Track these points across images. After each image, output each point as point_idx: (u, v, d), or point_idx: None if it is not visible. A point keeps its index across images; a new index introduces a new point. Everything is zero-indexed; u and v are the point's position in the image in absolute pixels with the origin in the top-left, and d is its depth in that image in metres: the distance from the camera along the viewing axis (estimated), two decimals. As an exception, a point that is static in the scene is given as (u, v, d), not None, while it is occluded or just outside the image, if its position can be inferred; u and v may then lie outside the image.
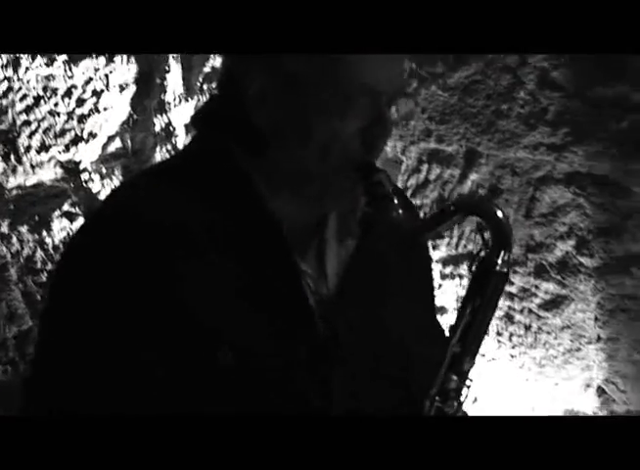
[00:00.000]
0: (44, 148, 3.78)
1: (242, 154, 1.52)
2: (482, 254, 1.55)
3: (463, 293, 3.27)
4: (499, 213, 1.52)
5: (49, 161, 3.81)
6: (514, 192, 3.20)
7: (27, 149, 3.71)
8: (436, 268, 3.37)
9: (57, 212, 3.88)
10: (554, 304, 3.31)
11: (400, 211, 1.50)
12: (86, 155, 3.99)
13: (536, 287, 3.31)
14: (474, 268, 1.56)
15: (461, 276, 3.34)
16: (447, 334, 1.59)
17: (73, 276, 1.50)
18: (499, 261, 1.53)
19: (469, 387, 1.58)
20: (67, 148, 3.85)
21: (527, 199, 3.18)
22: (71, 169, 3.89)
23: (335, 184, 1.51)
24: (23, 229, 3.63)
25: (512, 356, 3.30)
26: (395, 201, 1.50)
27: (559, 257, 3.26)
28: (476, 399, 3.24)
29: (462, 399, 1.58)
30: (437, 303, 3.32)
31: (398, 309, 1.66)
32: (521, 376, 3.25)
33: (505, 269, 1.54)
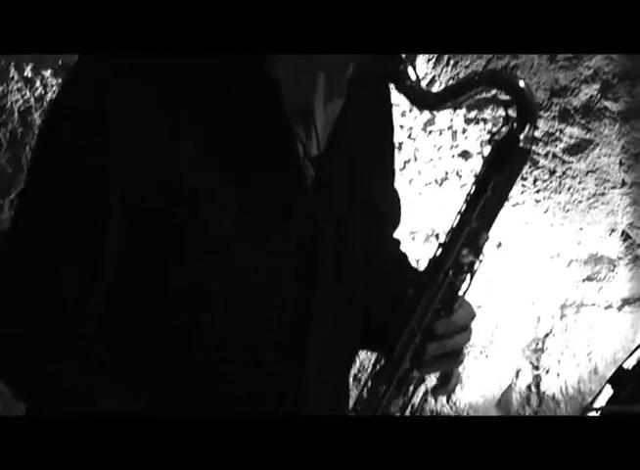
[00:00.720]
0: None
1: None
2: (505, 129, 1.52)
3: (486, 137, 3.26)
4: (524, 87, 1.49)
5: None
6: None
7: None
8: (460, 113, 3.33)
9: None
10: (578, 148, 3.29)
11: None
12: None
13: (561, 131, 3.28)
14: (494, 143, 1.54)
15: (485, 121, 3.31)
16: (464, 207, 1.57)
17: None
18: (522, 137, 1.50)
19: (481, 261, 1.58)
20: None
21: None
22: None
23: None
24: (47, 73, 3.61)
25: (536, 201, 3.29)
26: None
27: (583, 101, 3.23)
28: (500, 245, 3.26)
29: (474, 272, 1.58)
30: (461, 147, 3.32)
31: (372, 166, 1.66)
32: (545, 221, 3.26)
33: (528, 146, 1.51)
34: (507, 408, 3.28)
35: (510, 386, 3.27)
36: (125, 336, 1.51)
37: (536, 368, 3.28)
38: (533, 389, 3.29)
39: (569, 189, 3.27)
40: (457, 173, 3.28)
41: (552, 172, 3.29)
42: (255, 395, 1.53)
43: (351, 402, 1.60)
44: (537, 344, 3.27)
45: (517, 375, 3.27)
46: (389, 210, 1.72)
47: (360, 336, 1.68)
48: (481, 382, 3.19)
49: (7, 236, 1.49)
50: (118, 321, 1.50)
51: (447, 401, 3.22)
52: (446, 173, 3.28)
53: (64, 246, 1.44)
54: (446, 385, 1.63)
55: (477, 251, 1.56)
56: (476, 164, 3.28)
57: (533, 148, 3.20)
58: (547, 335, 3.27)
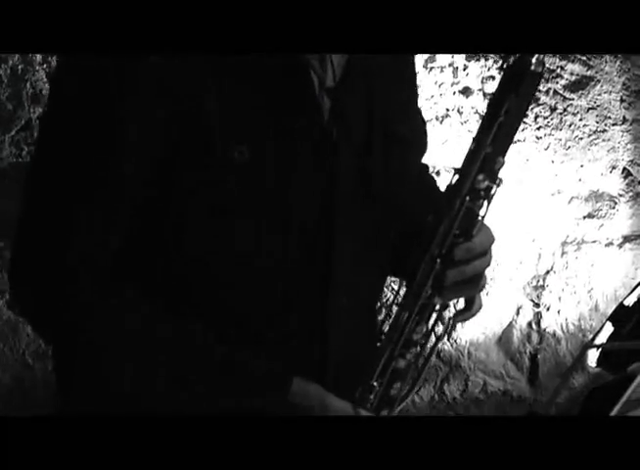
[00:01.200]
0: None
1: None
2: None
3: (487, 74, 3.24)
4: None
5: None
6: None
7: None
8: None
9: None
10: (579, 85, 3.27)
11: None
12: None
13: (562, 68, 3.26)
14: (506, 67, 1.53)
15: (486, 58, 3.28)
16: (479, 132, 1.56)
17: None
18: (533, 61, 1.50)
19: (498, 186, 1.57)
20: None
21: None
22: None
23: None
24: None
25: (537, 138, 3.28)
26: None
27: (586, 37, 3.20)
28: (500, 182, 3.24)
29: (491, 197, 1.57)
30: (462, 84, 3.29)
31: (391, 93, 1.65)
32: (546, 158, 3.24)
33: (540, 69, 1.50)
34: (507, 346, 3.28)
35: (510, 323, 3.28)
36: (144, 283, 1.52)
37: (537, 305, 3.29)
38: (534, 326, 3.30)
39: (569, 126, 3.26)
40: (458, 110, 3.26)
41: (553, 109, 3.28)
42: (281, 319, 1.54)
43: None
44: (538, 281, 3.27)
45: (517, 312, 3.28)
46: (412, 135, 1.70)
47: (385, 262, 1.68)
48: (482, 319, 3.19)
49: (27, 174, 1.50)
50: (136, 267, 1.51)
51: (448, 339, 3.22)
52: (447, 110, 3.25)
53: (81, 184, 1.45)
54: (469, 310, 1.63)
55: (493, 176, 1.56)
56: (477, 101, 3.25)
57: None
58: (548, 272, 3.27)
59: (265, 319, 1.54)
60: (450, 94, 3.28)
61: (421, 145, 1.77)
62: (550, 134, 3.23)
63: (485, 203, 1.56)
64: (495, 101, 1.55)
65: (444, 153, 3.13)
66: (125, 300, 1.49)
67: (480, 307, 1.65)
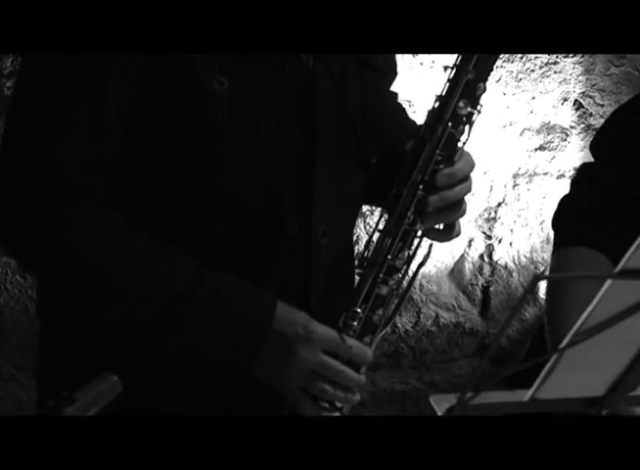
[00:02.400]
0: None
1: None
2: None
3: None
4: None
5: None
6: None
7: None
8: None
9: None
10: (532, 16, 3.25)
11: None
12: None
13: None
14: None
15: None
16: (459, 59, 1.56)
17: None
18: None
19: (480, 111, 1.58)
20: None
21: None
22: None
23: None
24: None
25: (489, 70, 3.26)
26: None
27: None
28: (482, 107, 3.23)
29: (473, 124, 1.57)
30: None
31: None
32: (498, 90, 3.23)
33: None
34: (459, 278, 3.30)
35: (462, 255, 3.29)
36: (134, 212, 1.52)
37: (489, 238, 3.30)
38: (486, 258, 3.31)
39: (521, 58, 3.25)
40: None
41: (504, 41, 3.26)
42: (264, 248, 1.56)
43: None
44: (490, 213, 3.28)
45: (469, 245, 3.28)
46: (385, 64, 1.71)
47: (364, 186, 1.69)
48: (434, 252, 3.19)
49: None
50: (120, 201, 1.52)
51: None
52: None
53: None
54: (449, 234, 1.65)
55: (474, 102, 1.57)
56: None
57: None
58: (499, 204, 3.28)
59: (250, 248, 1.55)
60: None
61: (393, 73, 1.79)
62: (501, 66, 3.21)
63: (467, 129, 1.57)
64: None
65: (418, 84, 3.09)
66: (106, 216, 1.49)
67: (459, 233, 1.66)
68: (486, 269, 3.31)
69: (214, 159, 1.50)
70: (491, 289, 3.32)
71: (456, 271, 3.29)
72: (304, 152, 1.55)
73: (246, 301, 1.50)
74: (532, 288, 3.20)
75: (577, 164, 3.28)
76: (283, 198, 1.54)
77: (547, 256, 3.29)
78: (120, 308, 1.49)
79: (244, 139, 1.51)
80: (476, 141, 3.04)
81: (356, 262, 1.57)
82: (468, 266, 3.29)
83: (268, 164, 1.53)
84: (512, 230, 3.29)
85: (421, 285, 3.23)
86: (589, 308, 1.24)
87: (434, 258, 3.22)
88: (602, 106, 3.29)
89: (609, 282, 1.22)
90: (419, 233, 1.58)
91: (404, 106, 1.88)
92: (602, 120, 3.21)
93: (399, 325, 3.23)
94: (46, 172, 1.44)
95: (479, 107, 1.57)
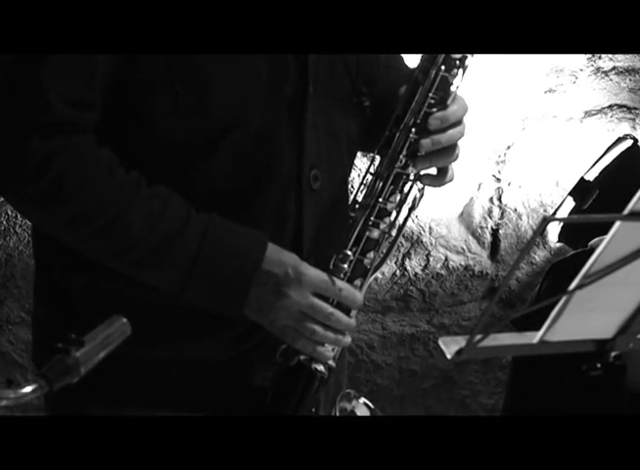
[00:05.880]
0: None
1: None
2: None
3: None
4: None
5: None
6: None
7: None
8: None
9: None
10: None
11: None
12: None
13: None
14: None
15: None
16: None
17: None
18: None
19: (473, 55, 1.58)
20: None
21: None
22: None
23: None
24: None
25: (498, 13, 3.24)
26: None
27: None
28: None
29: (466, 67, 1.59)
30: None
31: None
32: (507, 33, 3.21)
33: None
34: (469, 221, 3.30)
35: (472, 198, 3.29)
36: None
37: (498, 181, 3.30)
38: (495, 201, 3.31)
39: (531, 0, 3.22)
40: None
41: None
42: (257, 191, 1.55)
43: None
44: (499, 156, 3.27)
45: (479, 188, 3.29)
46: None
47: (359, 132, 1.68)
48: (443, 195, 3.19)
49: None
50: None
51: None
52: None
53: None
54: (442, 179, 1.64)
55: None
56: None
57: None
58: (509, 147, 3.27)
59: (242, 191, 1.54)
60: None
61: None
62: (511, 8, 3.19)
63: (460, 72, 1.58)
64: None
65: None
66: (96, 151, 1.47)
67: (452, 178, 1.66)
68: (496, 212, 3.31)
69: (208, 99, 1.49)
70: (501, 232, 3.32)
71: (465, 214, 3.29)
72: (297, 92, 1.55)
73: (235, 240, 1.49)
74: (542, 230, 3.20)
75: (587, 106, 3.27)
76: (275, 138, 1.54)
77: (556, 198, 3.28)
78: (108, 243, 1.48)
79: (236, 75, 1.50)
80: (485, 84, 3.07)
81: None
82: (477, 209, 3.30)
83: (262, 100, 1.52)
84: (521, 173, 3.29)
85: (430, 228, 3.23)
86: (598, 250, 1.25)
87: (444, 201, 3.22)
88: (612, 48, 3.27)
89: (618, 224, 1.23)
90: (411, 177, 1.58)
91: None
92: (611, 64, 3.20)
93: (409, 268, 3.24)
94: (36, 103, 1.42)
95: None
